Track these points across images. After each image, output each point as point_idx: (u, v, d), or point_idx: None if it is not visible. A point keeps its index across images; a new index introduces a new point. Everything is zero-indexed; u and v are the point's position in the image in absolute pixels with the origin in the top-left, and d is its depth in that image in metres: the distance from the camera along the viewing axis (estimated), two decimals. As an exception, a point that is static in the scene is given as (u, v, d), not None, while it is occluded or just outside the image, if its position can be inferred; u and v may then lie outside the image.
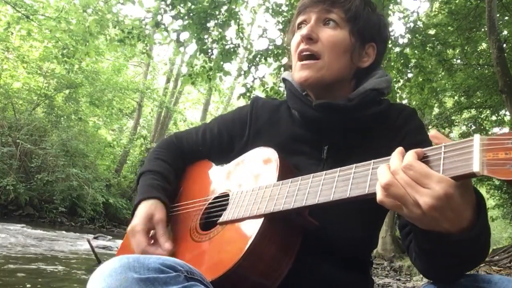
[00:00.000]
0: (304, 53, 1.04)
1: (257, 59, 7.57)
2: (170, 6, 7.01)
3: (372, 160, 0.77)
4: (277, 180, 0.93)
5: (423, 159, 0.69)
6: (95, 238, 8.94)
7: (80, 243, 7.32)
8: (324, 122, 1.04)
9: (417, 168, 0.66)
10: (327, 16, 1.05)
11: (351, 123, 1.04)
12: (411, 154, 0.69)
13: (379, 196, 0.69)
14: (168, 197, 1.13)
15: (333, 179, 0.81)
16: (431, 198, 0.64)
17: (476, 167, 0.61)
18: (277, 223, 0.89)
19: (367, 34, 1.08)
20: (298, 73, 1.05)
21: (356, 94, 1.04)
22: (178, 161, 1.24)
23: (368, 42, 1.09)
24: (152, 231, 1.04)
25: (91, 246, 5.39)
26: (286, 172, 0.95)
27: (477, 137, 0.63)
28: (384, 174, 0.69)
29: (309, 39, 1.03)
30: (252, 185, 0.98)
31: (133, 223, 1.03)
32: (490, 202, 13.64)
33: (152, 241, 1.02)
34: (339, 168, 0.82)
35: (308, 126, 1.08)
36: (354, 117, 1.03)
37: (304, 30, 1.04)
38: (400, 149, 0.72)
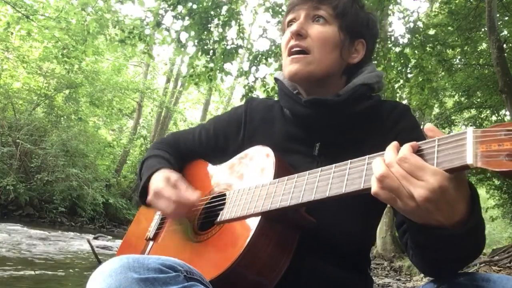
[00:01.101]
0: (294, 49, 1.05)
1: (258, 59, 7.56)
2: (171, 6, 7.00)
3: (367, 156, 0.77)
4: (274, 178, 0.93)
5: (418, 152, 0.69)
6: (95, 238, 8.95)
7: (80, 243, 7.32)
8: (314, 119, 1.05)
9: (411, 161, 0.67)
10: (315, 12, 1.06)
11: (341, 119, 1.04)
12: (406, 147, 0.69)
13: (374, 188, 0.70)
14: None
15: (328, 176, 0.81)
16: (426, 191, 0.65)
17: (469, 159, 0.61)
18: (274, 221, 0.89)
19: (356, 30, 1.09)
20: (288, 67, 1.05)
21: (346, 89, 1.05)
22: (177, 157, 1.26)
23: (357, 38, 1.10)
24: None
25: (91, 246, 5.38)
26: (282, 170, 0.96)
27: (470, 130, 0.63)
28: (379, 167, 0.69)
29: (298, 35, 1.04)
30: (248, 184, 0.98)
31: (154, 187, 1.04)
32: (490, 202, 13.63)
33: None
34: (334, 164, 0.82)
35: (299, 124, 1.09)
36: (344, 112, 1.03)
37: (294, 27, 1.05)
38: (395, 143, 0.73)
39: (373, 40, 1.15)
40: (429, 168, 0.65)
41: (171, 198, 1.01)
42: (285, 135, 1.11)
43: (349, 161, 0.80)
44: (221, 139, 1.22)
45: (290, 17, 1.10)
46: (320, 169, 0.84)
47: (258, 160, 1.03)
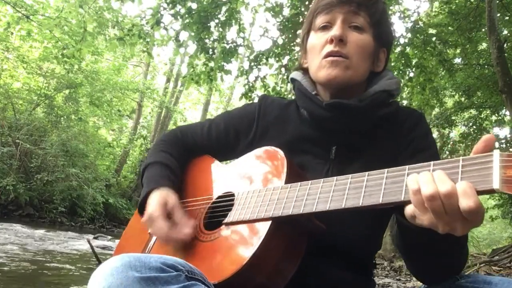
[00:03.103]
0: (334, 55, 1.02)
1: (258, 59, 7.54)
2: (170, 5, 6.97)
3: (386, 169, 0.76)
4: (285, 182, 0.91)
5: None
6: (95, 238, 8.94)
7: (80, 243, 7.31)
8: (334, 122, 1.04)
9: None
10: (354, 19, 1.04)
11: (360, 124, 1.04)
12: (448, 182, 0.66)
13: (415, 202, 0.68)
14: (176, 189, 1.12)
15: (344, 186, 0.80)
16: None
17: (496, 184, 0.60)
18: (284, 227, 0.88)
19: (384, 39, 1.10)
20: (327, 70, 1.03)
21: (367, 95, 1.05)
22: (182, 155, 1.23)
23: (382, 47, 1.10)
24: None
25: (91, 246, 5.37)
26: (294, 174, 0.94)
27: (496, 153, 0.62)
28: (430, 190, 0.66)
29: (340, 40, 1.02)
30: (258, 186, 0.97)
31: (150, 211, 1.01)
32: (490, 202, 13.61)
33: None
34: (350, 175, 0.80)
35: (317, 126, 1.08)
36: (364, 117, 1.03)
37: (336, 32, 1.02)
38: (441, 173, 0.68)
39: (391, 48, 1.17)
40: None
41: (161, 229, 0.99)
42: (299, 136, 1.09)
43: (367, 173, 0.78)
44: (231, 135, 1.20)
45: (324, 18, 1.07)
46: (335, 178, 0.83)
47: (270, 161, 1.01)
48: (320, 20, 1.07)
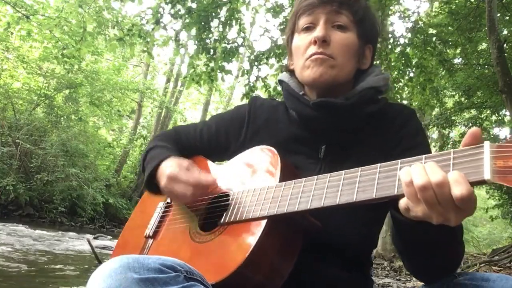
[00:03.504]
0: (318, 55, 1.02)
1: (259, 59, 7.54)
2: (170, 5, 6.96)
3: (379, 164, 0.76)
4: (279, 181, 0.91)
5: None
6: (95, 238, 8.95)
7: (80, 243, 7.32)
8: (322, 121, 1.04)
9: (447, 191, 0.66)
10: (337, 18, 1.04)
11: (348, 122, 1.04)
12: (440, 172, 0.66)
13: (407, 192, 0.69)
14: None
15: (338, 182, 0.80)
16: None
17: (487, 175, 0.60)
18: (280, 225, 0.88)
19: (369, 36, 1.09)
20: (311, 70, 1.03)
21: (354, 92, 1.04)
22: (178, 150, 1.23)
23: (367, 44, 1.10)
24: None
25: (91, 246, 5.38)
26: (288, 172, 0.94)
27: (487, 144, 0.63)
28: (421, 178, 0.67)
29: (323, 41, 1.02)
30: (253, 185, 0.97)
31: (170, 172, 1.02)
32: (490, 202, 13.62)
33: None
34: (344, 171, 0.81)
35: (305, 126, 1.08)
36: (351, 115, 1.03)
37: (319, 32, 1.02)
38: (433, 163, 0.70)
39: (376, 45, 1.16)
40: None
41: (188, 181, 0.99)
42: (290, 136, 1.09)
43: (360, 168, 0.78)
44: (222, 137, 1.20)
45: (306, 19, 1.06)
46: (329, 174, 0.83)
47: (263, 160, 1.01)
48: (303, 21, 1.07)
